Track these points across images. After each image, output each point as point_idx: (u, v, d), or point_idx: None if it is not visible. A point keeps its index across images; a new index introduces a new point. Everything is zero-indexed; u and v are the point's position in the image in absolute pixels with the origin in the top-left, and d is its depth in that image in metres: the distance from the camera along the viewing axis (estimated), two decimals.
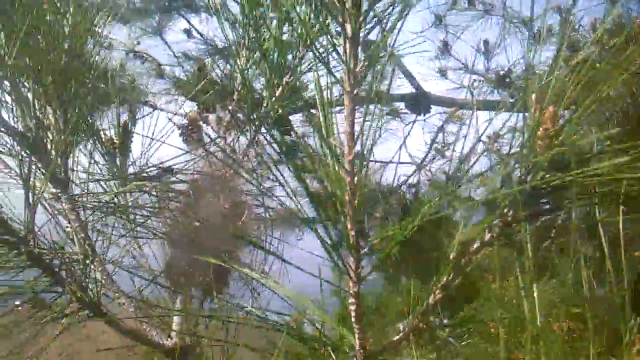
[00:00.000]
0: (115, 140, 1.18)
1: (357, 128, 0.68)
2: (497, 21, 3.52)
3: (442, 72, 3.69)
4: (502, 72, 3.21)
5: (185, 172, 1.16)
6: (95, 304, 1.01)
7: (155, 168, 1.16)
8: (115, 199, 1.16)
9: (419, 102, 3.87)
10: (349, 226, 0.71)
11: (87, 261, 1.01)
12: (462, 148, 0.74)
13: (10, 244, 0.88)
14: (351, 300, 0.76)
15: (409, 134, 3.98)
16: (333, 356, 0.82)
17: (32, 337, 0.97)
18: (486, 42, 3.51)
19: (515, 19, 3.38)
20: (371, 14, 0.63)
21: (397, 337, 0.80)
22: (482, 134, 0.77)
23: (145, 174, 1.14)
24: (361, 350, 0.81)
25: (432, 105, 3.84)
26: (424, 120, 3.77)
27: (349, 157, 0.68)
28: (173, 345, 1.11)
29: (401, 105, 3.90)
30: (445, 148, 3.61)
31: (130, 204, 1.14)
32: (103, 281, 1.03)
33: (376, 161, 3.47)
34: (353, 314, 0.78)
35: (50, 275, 0.96)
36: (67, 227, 1.06)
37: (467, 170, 0.75)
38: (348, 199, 0.69)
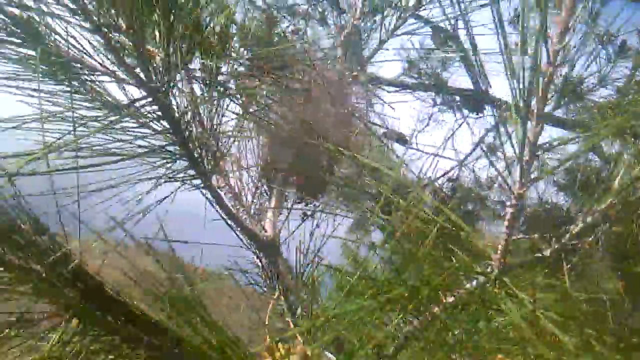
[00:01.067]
0: None
1: None
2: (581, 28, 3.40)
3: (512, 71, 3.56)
4: (575, 81, 3.10)
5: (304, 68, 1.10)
6: (208, 173, 0.96)
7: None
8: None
9: (476, 100, 3.78)
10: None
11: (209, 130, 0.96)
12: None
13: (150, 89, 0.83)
14: (512, 201, 0.71)
15: (458, 127, 3.89)
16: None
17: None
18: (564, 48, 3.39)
19: (599, 32, 3.27)
20: None
21: (545, 252, 0.74)
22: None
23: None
24: (501, 259, 0.75)
25: (486, 107, 3.75)
26: (476, 118, 3.68)
27: None
28: (267, 238, 1.07)
29: (456, 98, 3.82)
30: (495, 149, 3.53)
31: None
32: (219, 154, 0.98)
33: (417, 149, 3.41)
34: (508, 217, 0.72)
35: (174, 133, 0.91)
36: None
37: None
38: None
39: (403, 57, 3.30)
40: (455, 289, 0.79)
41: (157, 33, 0.91)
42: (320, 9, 3.22)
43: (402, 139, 2.86)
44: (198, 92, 1.04)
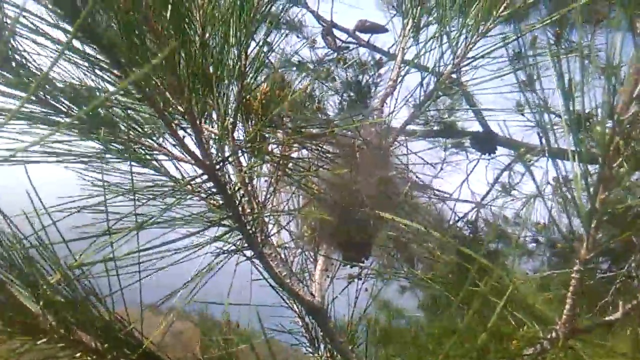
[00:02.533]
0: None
1: None
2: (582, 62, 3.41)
3: (520, 109, 3.60)
4: (581, 115, 3.09)
5: (344, 134, 1.11)
6: (259, 246, 0.95)
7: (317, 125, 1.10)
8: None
9: (485, 141, 3.78)
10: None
11: (258, 206, 0.96)
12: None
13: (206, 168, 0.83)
14: (578, 267, 0.68)
15: (472, 170, 3.88)
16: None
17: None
18: (569, 82, 3.40)
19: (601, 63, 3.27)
20: None
21: (614, 316, 0.71)
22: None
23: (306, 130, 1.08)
24: (567, 324, 0.72)
25: (498, 147, 3.75)
26: (490, 158, 3.68)
27: None
28: (317, 303, 1.04)
29: (466, 141, 3.82)
30: (510, 188, 3.52)
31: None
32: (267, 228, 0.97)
33: (435, 194, 3.37)
34: (573, 283, 0.70)
35: (228, 207, 0.90)
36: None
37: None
38: None
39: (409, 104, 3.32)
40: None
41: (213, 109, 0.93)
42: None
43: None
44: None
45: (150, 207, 0.88)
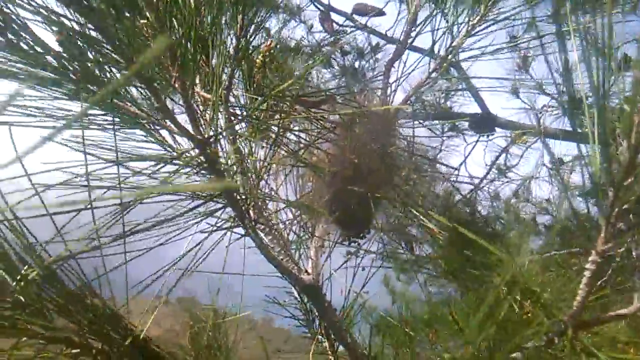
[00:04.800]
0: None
1: None
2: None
3: (515, 91, 3.48)
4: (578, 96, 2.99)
5: (344, 103, 1.01)
6: (252, 224, 0.87)
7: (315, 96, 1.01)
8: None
9: (484, 123, 3.68)
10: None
11: (254, 179, 0.87)
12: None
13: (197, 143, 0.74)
14: (594, 258, 0.60)
15: (470, 153, 3.79)
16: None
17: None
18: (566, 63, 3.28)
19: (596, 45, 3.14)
20: None
21: (627, 310, 0.63)
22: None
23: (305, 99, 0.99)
24: (575, 317, 0.65)
25: (496, 128, 3.65)
26: (487, 141, 3.58)
27: None
28: (311, 281, 0.97)
29: (465, 123, 3.72)
30: (507, 170, 3.43)
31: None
32: (261, 203, 0.89)
33: (436, 176, 3.29)
34: (587, 273, 0.62)
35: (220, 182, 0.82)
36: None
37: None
38: None
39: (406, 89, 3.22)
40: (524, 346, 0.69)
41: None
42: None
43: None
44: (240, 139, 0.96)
45: (140, 177, 0.80)
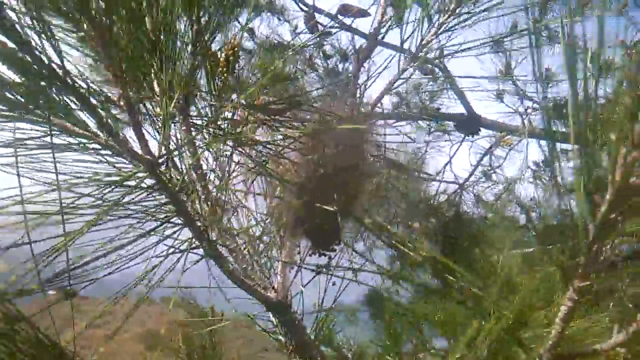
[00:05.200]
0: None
1: None
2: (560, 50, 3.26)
3: (499, 95, 3.46)
4: (559, 101, 2.97)
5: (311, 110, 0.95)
6: (213, 243, 0.81)
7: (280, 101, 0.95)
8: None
9: (469, 123, 3.65)
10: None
11: (211, 196, 0.81)
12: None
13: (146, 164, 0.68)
14: (571, 295, 0.55)
15: (455, 153, 3.76)
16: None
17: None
18: (547, 70, 3.26)
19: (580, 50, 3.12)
20: None
21: (602, 346, 0.58)
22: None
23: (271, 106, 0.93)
24: (551, 352, 0.60)
25: (481, 129, 3.62)
26: (472, 141, 3.55)
27: None
28: (276, 298, 0.91)
29: (450, 124, 3.69)
30: (492, 171, 3.40)
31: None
32: (224, 221, 0.83)
33: (420, 176, 3.27)
34: (563, 310, 0.57)
35: (175, 203, 0.76)
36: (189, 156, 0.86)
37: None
38: None
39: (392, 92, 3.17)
40: None
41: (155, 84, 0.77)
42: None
43: (362, 13, 2.69)
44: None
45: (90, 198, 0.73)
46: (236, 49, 0.95)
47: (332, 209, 0.94)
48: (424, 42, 1.14)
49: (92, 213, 0.67)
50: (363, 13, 2.86)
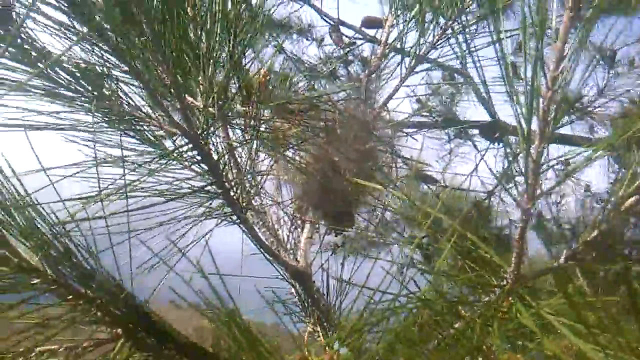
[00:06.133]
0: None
1: None
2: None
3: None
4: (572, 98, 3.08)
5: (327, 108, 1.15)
6: (243, 209, 1.00)
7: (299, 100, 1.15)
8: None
9: (494, 130, 3.76)
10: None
11: (244, 172, 1.01)
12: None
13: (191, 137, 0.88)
14: (521, 216, 0.72)
15: (481, 160, 3.87)
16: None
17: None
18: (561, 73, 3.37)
19: (594, 50, 3.26)
20: None
21: (555, 264, 0.74)
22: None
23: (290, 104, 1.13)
24: (515, 272, 0.76)
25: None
26: (498, 148, 3.67)
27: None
28: (301, 267, 1.09)
29: (475, 131, 3.81)
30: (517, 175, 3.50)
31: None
32: (252, 191, 1.02)
33: (446, 186, 3.41)
34: (518, 231, 0.73)
35: (212, 174, 0.96)
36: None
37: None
38: None
39: (412, 98, 3.34)
40: (474, 303, 0.80)
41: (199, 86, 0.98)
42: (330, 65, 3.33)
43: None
44: (233, 136, 1.10)
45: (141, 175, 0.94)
46: (267, 77, 1.17)
47: (346, 191, 1.12)
48: (428, 45, 1.33)
49: (148, 175, 0.88)
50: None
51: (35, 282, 0.69)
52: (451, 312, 0.80)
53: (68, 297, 0.71)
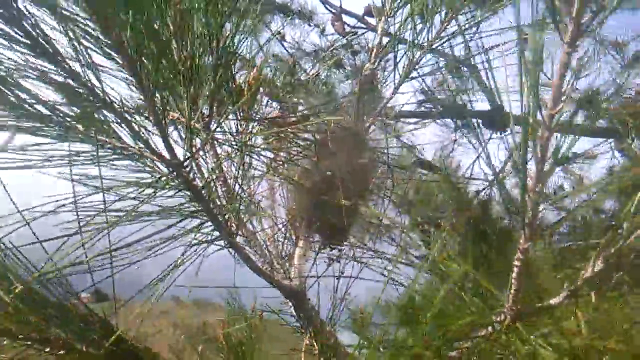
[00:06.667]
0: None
1: None
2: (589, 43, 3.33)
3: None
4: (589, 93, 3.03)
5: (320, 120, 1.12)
6: (233, 235, 0.98)
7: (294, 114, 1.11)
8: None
9: (496, 119, 3.71)
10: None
11: (232, 194, 0.98)
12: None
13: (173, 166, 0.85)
14: (518, 255, 0.69)
15: (483, 150, 3.82)
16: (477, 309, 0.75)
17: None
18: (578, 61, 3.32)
19: (607, 42, 3.19)
20: None
21: (555, 300, 0.71)
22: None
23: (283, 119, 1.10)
24: (513, 308, 0.73)
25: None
26: (501, 137, 3.63)
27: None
28: (294, 287, 1.07)
29: (477, 120, 3.76)
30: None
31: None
32: (243, 217, 1.00)
33: (448, 174, 3.37)
34: (516, 270, 0.70)
35: (198, 201, 0.93)
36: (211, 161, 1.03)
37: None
38: None
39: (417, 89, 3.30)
40: (472, 336, 0.78)
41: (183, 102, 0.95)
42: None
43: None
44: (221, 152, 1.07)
45: (125, 202, 0.91)
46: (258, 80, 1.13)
47: (340, 206, 1.09)
48: (434, 37, 1.29)
49: (130, 206, 0.85)
50: None
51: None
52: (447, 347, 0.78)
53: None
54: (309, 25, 3.82)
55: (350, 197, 1.10)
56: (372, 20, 3.29)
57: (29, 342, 0.71)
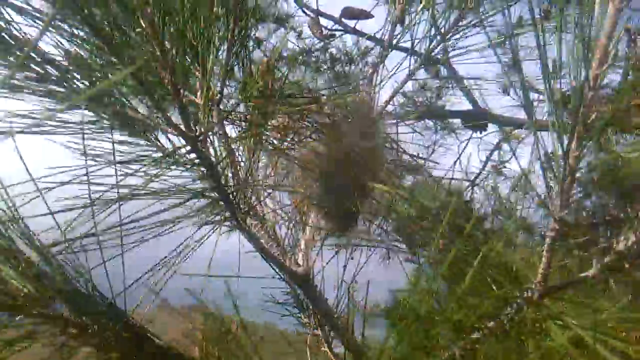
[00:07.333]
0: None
1: None
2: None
3: (505, 89, 3.60)
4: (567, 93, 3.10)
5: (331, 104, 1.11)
6: (242, 217, 0.96)
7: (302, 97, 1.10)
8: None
9: (476, 119, 3.78)
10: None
11: (245, 175, 0.96)
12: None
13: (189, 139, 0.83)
14: (552, 225, 0.69)
15: (463, 150, 3.89)
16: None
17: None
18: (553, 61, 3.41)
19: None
20: None
21: (585, 274, 0.72)
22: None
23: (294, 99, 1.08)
24: (542, 282, 0.73)
25: (489, 123, 3.75)
26: (480, 138, 3.69)
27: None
28: (302, 272, 1.05)
29: (457, 121, 3.83)
30: (501, 166, 3.54)
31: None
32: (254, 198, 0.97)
33: (430, 175, 3.39)
34: (548, 240, 0.70)
35: (211, 178, 0.90)
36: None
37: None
38: None
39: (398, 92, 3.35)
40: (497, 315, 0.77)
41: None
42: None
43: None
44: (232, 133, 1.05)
45: (138, 179, 0.88)
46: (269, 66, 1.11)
47: (349, 190, 1.08)
48: (432, 45, 1.30)
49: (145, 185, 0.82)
50: (366, 15, 3.03)
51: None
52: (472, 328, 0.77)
53: (63, 329, 0.66)
54: (285, 28, 3.80)
55: (362, 180, 1.09)
56: (350, 23, 3.30)
57: (40, 320, 0.67)
